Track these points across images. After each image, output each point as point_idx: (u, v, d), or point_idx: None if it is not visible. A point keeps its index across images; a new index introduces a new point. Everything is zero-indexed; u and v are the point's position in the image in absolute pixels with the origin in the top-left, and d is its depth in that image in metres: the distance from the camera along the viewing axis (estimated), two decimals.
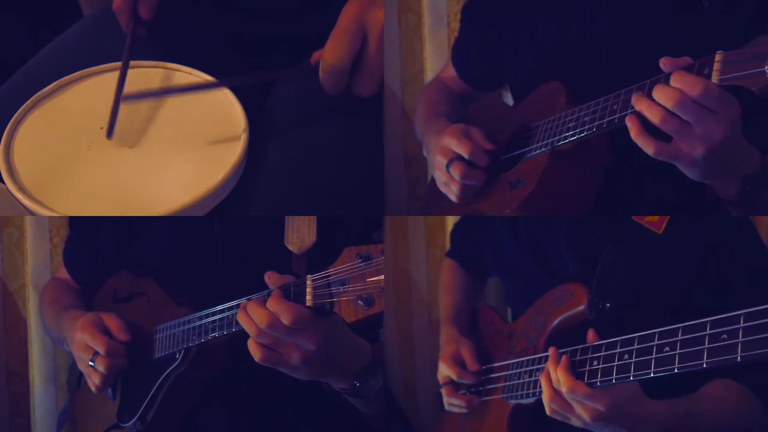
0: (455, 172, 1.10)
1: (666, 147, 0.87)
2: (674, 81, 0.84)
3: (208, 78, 1.10)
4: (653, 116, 0.86)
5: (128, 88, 1.08)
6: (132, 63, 1.13)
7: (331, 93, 1.05)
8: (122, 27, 1.14)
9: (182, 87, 1.08)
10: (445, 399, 1.18)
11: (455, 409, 1.17)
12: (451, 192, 1.13)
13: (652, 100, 0.86)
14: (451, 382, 1.17)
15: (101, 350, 1.10)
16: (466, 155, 1.10)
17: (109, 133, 1.03)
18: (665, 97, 0.85)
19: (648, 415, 0.90)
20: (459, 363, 1.16)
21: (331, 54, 1.02)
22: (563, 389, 0.89)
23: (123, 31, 1.15)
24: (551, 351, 0.94)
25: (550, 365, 0.92)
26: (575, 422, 0.91)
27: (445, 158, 1.11)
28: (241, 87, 1.09)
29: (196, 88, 1.08)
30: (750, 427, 0.98)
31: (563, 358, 0.91)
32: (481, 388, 1.15)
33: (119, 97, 1.06)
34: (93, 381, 1.12)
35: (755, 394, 0.97)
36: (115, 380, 1.16)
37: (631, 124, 0.89)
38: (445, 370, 1.17)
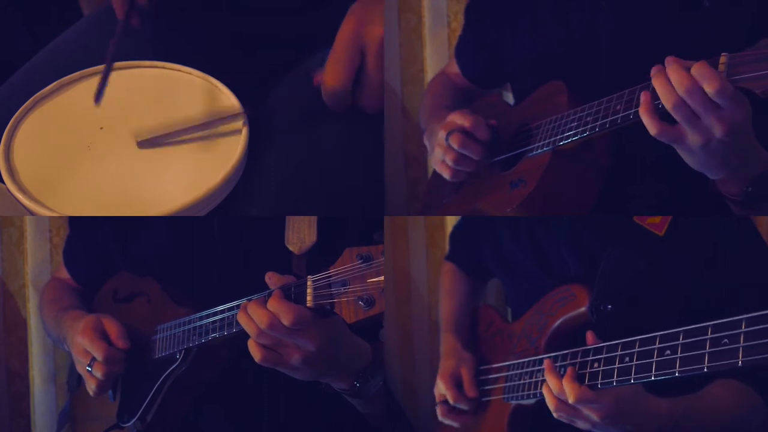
0: (453, 141, 1.10)
1: (668, 129, 0.87)
2: (694, 69, 0.84)
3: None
4: (666, 99, 0.85)
5: (130, 89, 1.08)
6: (131, 63, 1.13)
7: (336, 112, 1.05)
8: (116, 12, 1.13)
9: (199, 125, 1.05)
10: (440, 417, 1.17)
11: (449, 423, 1.17)
12: (446, 167, 1.13)
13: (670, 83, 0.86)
14: (446, 402, 1.16)
15: (99, 357, 1.09)
16: (467, 126, 1.09)
17: (97, 97, 1.02)
18: (678, 80, 0.84)
19: (650, 412, 0.90)
20: (457, 383, 1.15)
21: (331, 77, 1.02)
22: (570, 399, 0.89)
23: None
24: (546, 363, 0.94)
25: (547, 376, 0.92)
26: (582, 425, 0.92)
27: (446, 131, 1.11)
28: (241, 86, 1.09)
29: (209, 124, 1.05)
30: (752, 424, 0.98)
31: (569, 369, 0.91)
32: (480, 389, 1.15)
33: (110, 65, 1.05)
34: (90, 386, 1.12)
35: (758, 392, 0.97)
36: (114, 382, 1.16)
37: (644, 98, 0.88)
38: (442, 389, 1.16)
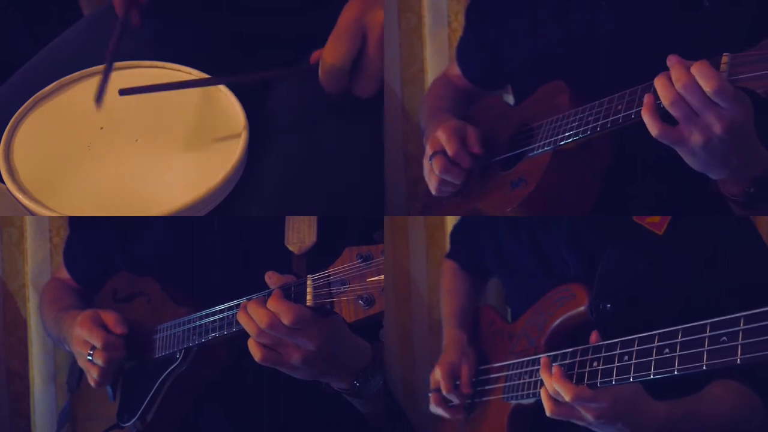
0: (435, 165, 1.11)
1: (669, 130, 0.87)
2: (694, 68, 0.84)
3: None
4: (665, 97, 0.86)
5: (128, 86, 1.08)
6: (131, 63, 1.13)
7: (330, 93, 1.05)
8: (117, 10, 1.13)
9: (180, 83, 1.06)
10: (431, 405, 1.17)
11: (439, 412, 1.17)
12: (431, 184, 1.14)
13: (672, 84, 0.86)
14: (439, 391, 1.16)
15: (98, 344, 1.10)
16: (450, 154, 1.10)
17: (98, 98, 1.03)
18: (676, 76, 0.85)
19: (648, 414, 0.90)
20: (454, 376, 1.16)
21: (331, 54, 1.02)
22: (567, 398, 0.89)
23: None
24: (542, 360, 0.94)
25: (543, 375, 0.92)
26: (579, 422, 0.91)
27: (432, 150, 1.12)
28: (241, 85, 1.09)
29: (193, 83, 1.07)
30: (751, 425, 0.98)
31: (555, 368, 0.91)
32: (480, 389, 1.15)
33: (110, 65, 1.06)
34: (92, 375, 1.12)
35: (757, 393, 0.97)
36: (115, 379, 1.16)
37: (647, 100, 0.88)
38: (438, 376, 1.16)
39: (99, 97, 1.03)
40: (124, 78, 1.12)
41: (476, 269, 1.35)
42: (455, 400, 1.15)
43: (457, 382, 1.15)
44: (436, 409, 1.17)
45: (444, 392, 1.15)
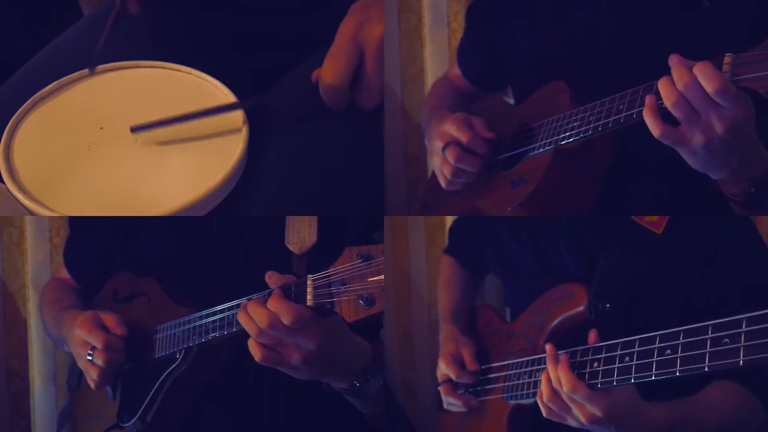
0: (450, 155, 1.11)
1: (671, 131, 0.87)
2: (696, 68, 0.84)
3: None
4: (667, 97, 0.86)
5: (130, 89, 1.08)
6: (131, 63, 1.13)
7: (333, 109, 1.06)
8: None
9: (195, 113, 1.05)
10: (443, 398, 1.18)
11: (454, 408, 1.17)
12: (443, 176, 1.14)
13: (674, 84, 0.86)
14: (449, 381, 1.17)
15: (99, 344, 1.10)
16: (464, 142, 1.10)
17: (92, 67, 1.03)
18: (678, 76, 0.85)
19: (644, 419, 0.90)
20: (458, 362, 1.16)
21: (329, 74, 1.02)
22: (564, 388, 0.89)
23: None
24: (548, 348, 0.94)
25: (549, 363, 0.92)
26: (572, 423, 0.92)
27: (443, 142, 1.12)
28: (241, 87, 1.09)
29: (208, 112, 1.05)
30: (750, 427, 0.98)
31: (562, 357, 0.91)
32: (480, 388, 1.15)
33: (107, 38, 1.05)
34: (92, 376, 1.13)
35: (756, 395, 0.97)
36: (115, 379, 1.16)
37: (649, 100, 0.88)
38: (444, 369, 1.18)
39: (93, 65, 1.03)
40: (125, 78, 1.12)
41: (474, 268, 1.35)
42: (467, 380, 1.15)
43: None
44: (448, 399, 1.17)
45: (455, 377, 1.15)
